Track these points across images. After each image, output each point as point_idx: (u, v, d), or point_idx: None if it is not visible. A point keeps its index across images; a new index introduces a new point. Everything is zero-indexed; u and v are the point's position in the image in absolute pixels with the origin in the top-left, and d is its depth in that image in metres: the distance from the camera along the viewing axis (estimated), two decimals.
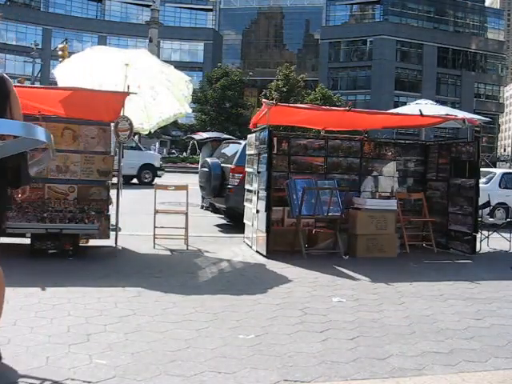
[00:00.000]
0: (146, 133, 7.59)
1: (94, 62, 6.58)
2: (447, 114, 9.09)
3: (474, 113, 26.19)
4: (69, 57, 9.62)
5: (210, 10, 68.43)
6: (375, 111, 8.99)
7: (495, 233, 7.98)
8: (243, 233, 7.57)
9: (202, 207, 10.87)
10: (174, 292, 4.52)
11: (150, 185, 17.03)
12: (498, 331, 3.79)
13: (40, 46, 51.09)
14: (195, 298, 4.35)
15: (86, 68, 6.59)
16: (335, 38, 60.47)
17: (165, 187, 7.32)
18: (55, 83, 6.64)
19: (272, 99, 7.09)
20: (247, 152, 7.63)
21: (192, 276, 5.29)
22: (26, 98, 5.54)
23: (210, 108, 45.06)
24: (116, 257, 6.06)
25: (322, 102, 39.73)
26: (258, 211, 6.71)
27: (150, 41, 40.76)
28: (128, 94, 6.04)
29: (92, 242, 6.49)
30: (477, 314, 3.67)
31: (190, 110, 7.16)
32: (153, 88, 6.74)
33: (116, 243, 6.28)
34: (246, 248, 7.08)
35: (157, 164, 20.01)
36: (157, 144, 45.37)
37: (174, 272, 5.43)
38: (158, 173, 19.83)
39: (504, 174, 12.21)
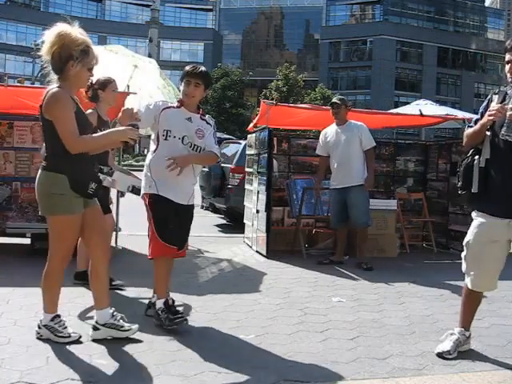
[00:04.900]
0: None
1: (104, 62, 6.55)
2: (447, 114, 9.10)
3: (474, 113, 26.07)
4: None
5: (210, 10, 68.38)
6: (375, 111, 8.99)
7: None
8: (243, 233, 7.57)
9: (202, 207, 10.87)
10: (174, 292, 4.51)
11: None
12: (497, 331, 3.78)
13: (40, 46, 51.10)
14: (195, 298, 4.36)
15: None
16: (335, 38, 60.40)
17: None
18: None
19: (272, 99, 7.08)
20: (247, 152, 7.63)
21: (192, 276, 5.29)
22: (26, 98, 5.57)
23: (209, 108, 45.04)
24: (116, 257, 6.05)
25: (322, 102, 39.69)
26: (258, 211, 6.71)
27: (150, 41, 40.81)
28: (128, 93, 6.03)
29: None
30: (477, 314, 3.65)
31: None
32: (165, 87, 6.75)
33: (116, 243, 6.27)
34: (246, 248, 7.07)
35: None
36: None
37: (174, 272, 5.39)
38: None
39: None
